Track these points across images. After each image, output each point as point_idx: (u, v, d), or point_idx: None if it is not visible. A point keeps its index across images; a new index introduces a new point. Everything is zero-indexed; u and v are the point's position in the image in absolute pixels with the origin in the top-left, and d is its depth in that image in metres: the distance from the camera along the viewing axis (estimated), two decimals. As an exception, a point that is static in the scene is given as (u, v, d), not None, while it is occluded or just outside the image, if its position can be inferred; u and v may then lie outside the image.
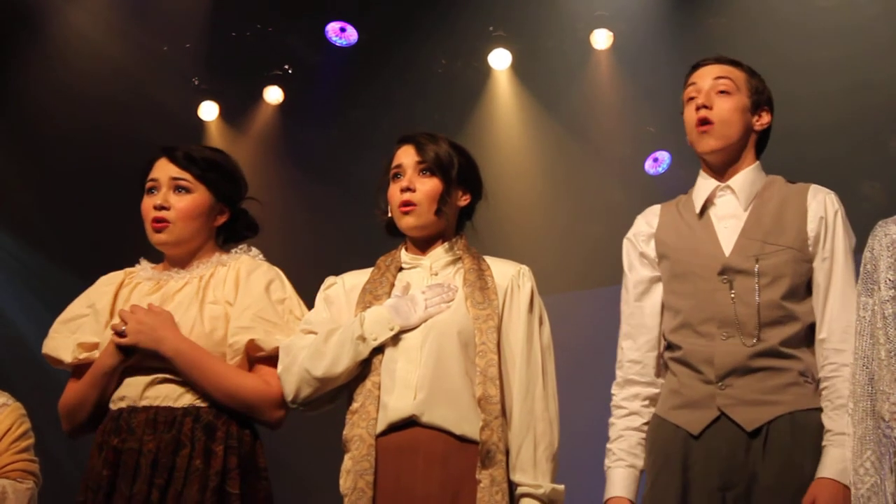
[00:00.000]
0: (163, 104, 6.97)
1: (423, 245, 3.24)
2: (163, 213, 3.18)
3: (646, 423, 3.07)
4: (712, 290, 3.02)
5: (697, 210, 3.12)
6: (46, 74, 6.76)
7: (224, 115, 7.54)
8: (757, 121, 3.15)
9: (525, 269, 3.22)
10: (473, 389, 3.04)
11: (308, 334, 3.18)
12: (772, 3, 6.51)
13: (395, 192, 3.21)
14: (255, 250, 3.32)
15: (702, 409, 2.98)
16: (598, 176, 6.29)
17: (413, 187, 3.18)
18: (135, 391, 3.07)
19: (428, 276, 3.21)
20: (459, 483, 2.99)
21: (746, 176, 3.11)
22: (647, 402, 3.10)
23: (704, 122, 3.08)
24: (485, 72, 7.26)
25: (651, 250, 3.15)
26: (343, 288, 3.25)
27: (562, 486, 3.04)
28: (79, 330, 3.19)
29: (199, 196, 3.22)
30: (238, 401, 3.07)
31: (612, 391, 3.16)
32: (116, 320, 3.11)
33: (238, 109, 7.56)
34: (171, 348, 3.03)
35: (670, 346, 3.06)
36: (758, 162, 3.15)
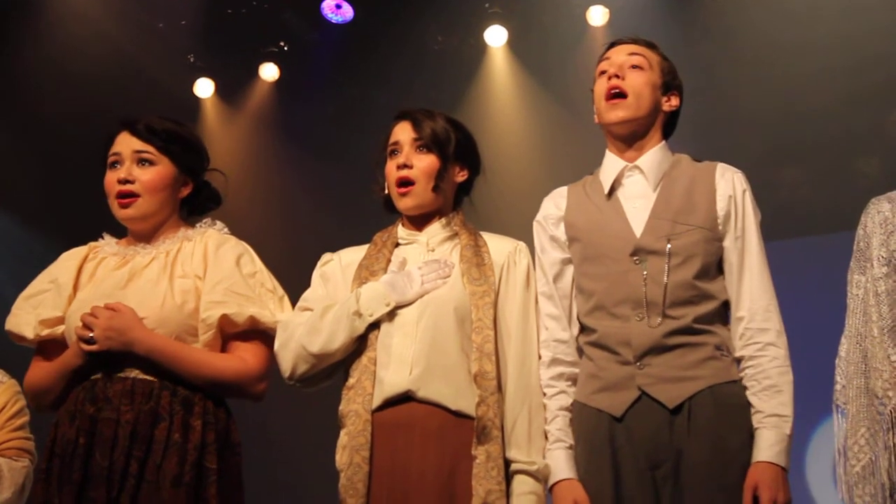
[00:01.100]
0: (158, 81, 7.02)
1: (419, 221, 3.26)
2: (128, 187, 3.16)
3: (573, 403, 3.08)
4: (625, 271, 3.02)
5: (606, 191, 3.12)
6: (42, 52, 6.78)
7: (220, 92, 7.59)
8: (666, 101, 3.17)
9: (522, 245, 3.22)
10: (469, 365, 3.06)
11: (304, 311, 3.20)
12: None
13: (392, 169, 3.21)
14: (219, 224, 3.32)
15: (622, 390, 2.98)
16: (594, 152, 6.28)
17: (410, 164, 3.19)
18: (108, 364, 3.07)
19: (424, 252, 3.22)
20: (455, 458, 3.00)
21: (654, 155, 3.12)
22: (570, 383, 3.10)
23: (616, 92, 3.10)
24: (481, 48, 7.28)
25: (561, 233, 3.16)
26: (339, 264, 3.27)
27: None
28: (41, 305, 3.19)
29: (163, 168, 3.21)
30: (219, 385, 3.08)
31: (540, 370, 3.15)
32: (80, 309, 3.09)
33: (234, 86, 7.60)
34: (144, 349, 3.02)
35: (584, 329, 3.07)
36: (664, 142, 3.16)
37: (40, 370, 3.18)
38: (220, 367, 3.09)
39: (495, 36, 7.22)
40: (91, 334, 3.01)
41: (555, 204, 3.21)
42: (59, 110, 6.62)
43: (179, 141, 3.23)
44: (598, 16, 7.02)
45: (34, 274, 3.32)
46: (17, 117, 6.97)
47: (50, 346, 3.16)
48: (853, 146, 6.16)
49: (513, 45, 7.26)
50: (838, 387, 2.97)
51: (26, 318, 3.18)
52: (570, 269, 3.15)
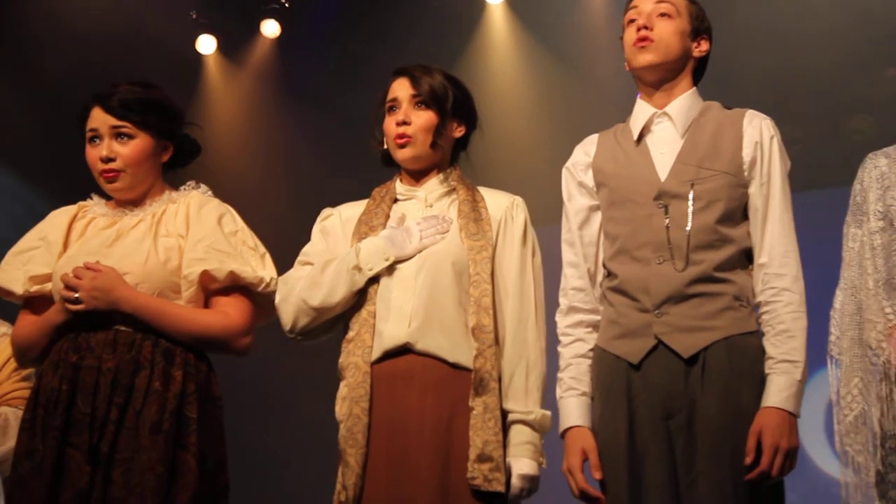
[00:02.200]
0: (161, 38, 7.02)
1: (417, 176, 3.26)
2: (110, 165, 3.20)
3: (591, 350, 3.09)
4: (648, 215, 3.01)
5: (635, 137, 3.11)
6: (45, 9, 6.81)
7: (222, 48, 7.58)
8: (696, 47, 3.14)
9: (519, 200, 3.24)
10: (467, 319, 3.09)
11: (305, 265, 3.23)
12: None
13: (390, 125, 3.22)
14: (203, 186, 3.35)
15: (640, 337, 2.97)
16: (592, 108, 6.32)
17: (408, 120, 3.19)
18: (93, 321, 3.12)
19: (423, 207, 3.23)
20: (453, 409, 3.02)
21: (683, 102, 3.10)
22: (590, 329, 3.11)
23: (644, 39, 3.08)
24: (479, 5, 7.26)
25: (589, 179, 3.15)
26: (339, 219, 3.29)
27: (549, 412, 3.08)
28: (30, 262, 3.23)
29: (141, 141, 3.24)
30: (204, 341, 3.13)
31: (556, 319, 3.16)
32: (67, 266, 3.13)
33: (236, 43, 7.58)
34: (129, 307, 3.07)
35: (609, 274, 3.07)
36: (694, 88, 3.15)
37: (27, 325, 3.23)
38: (205, 322, 3.14)
39: (494, -10, 7.15)
40: (76, 295, 3.04)
41: (584, 151, 3.20)
42: (60, 65, 6.68)
43: (154, 110, 3.26)
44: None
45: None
46: (19, 72, 7.01)
47: (37, 302, 3.21)
48: (849, 103, 6.11)
49: (511, 1, 7.23)
50: (833, 338, 2.99)
51: (15, 274, 3.22)
52: (597, 217, 3.15)
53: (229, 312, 3.17)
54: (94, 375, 3.03)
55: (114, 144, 3.20)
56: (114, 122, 3.21)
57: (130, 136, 3.22)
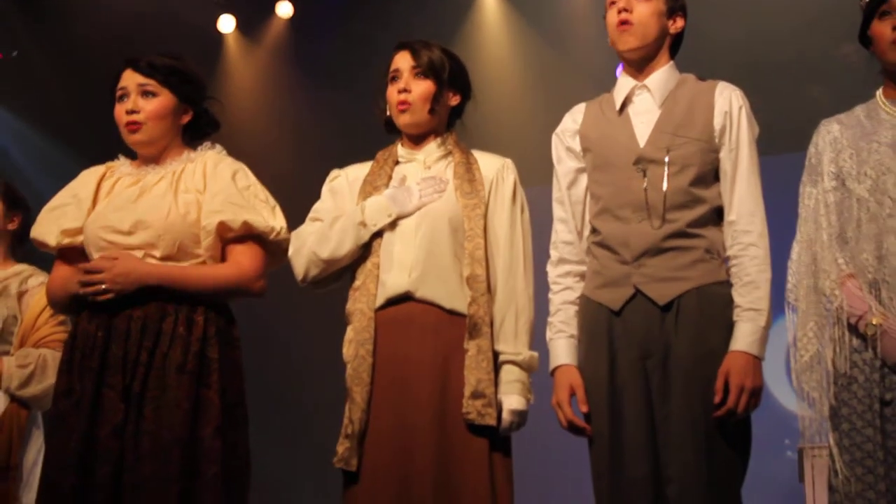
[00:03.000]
0: (186, 17, 7.03)
1: (417, 141, 3.28)
2: (134, 117, 3.21)
3: (578, 297, 3.11)
4: (628, 178, 3.03)
5: (617, 107, 3.12)
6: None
7: (240, 27, 7.59)
8: (672, 24, 3.14)
9: (509, 162, 3.26)
10: (462, 269, 3.11)
11: (315, 221, 3.26)
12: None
13: (392, 93, 3.24)
14: (218, 146, 3.36)
15: (620, 287, 3.00)
16: (575, 81, 6.33)
17: (409, 88, 3.21)
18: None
19: (422, 169, 3.24)
20: (449, 350, 3.06)
21: (661, 75, 3.11)
22: (577, 279, 3.13)
23: (625, 23, 3.09)
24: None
25: (576, 144, 3.15)
26: (346, 180, 3.31)
27: (536, 353, 3.13)
28: (62, 217, 3.25)
29: (164, 98, 3.25)
30: (223, 292, 3.14)
31: (547, 269, 3.19)
32: (97, 220, 3.13)
33: (253, 23, 7.57)
34: (154, 280, 3.09)
35: (593, 230, 3.10)
36: (672, 62, 3.15)
37: (60, 277, 3.25)
38: (221, 275, 3.15)
39: (488, -23, 7.16)
40: (103, 286, 3.06)
41: (572, 119, 3.22)
42: (93, 39, 6.68)
43: (178, 74, 3.27)
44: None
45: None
46: (56, 44, 7.03)
47: (70, 253, 3.24)
48: (805, 74, 6.04)
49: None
50: (790, 286, 3.00)
51: (49, 228, 3.24)
52: (583, 178, 3.16)
53: (242, 261, 3.18)
54: (126, 322, 3.06)
55: (139, 100, 3.22)
56: (141, 79, 3.24)
57: (154, 94, 3.24)
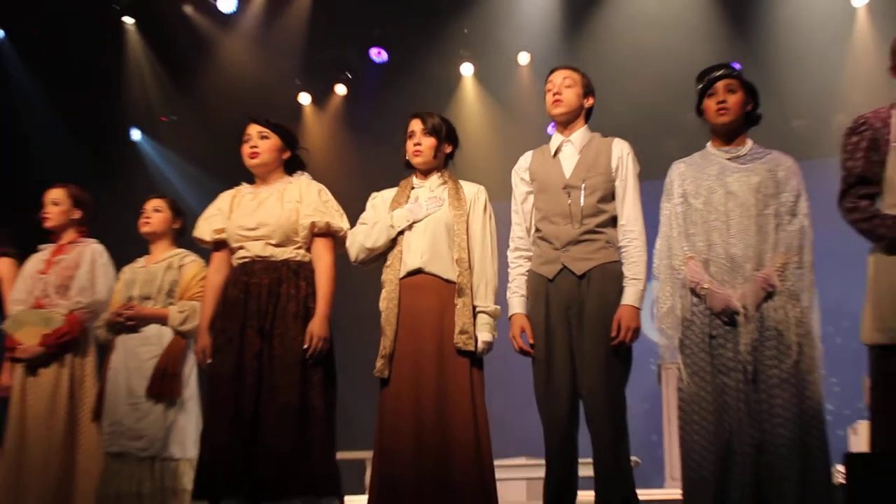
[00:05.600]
0: (278, 94, 7.40)
1: (425, 174, 3.31)
2: (254, 150, 3.28)
3: (527, 271, 3.13)
4: (559, 198, 3.07)
5: (552, 153, 3.16)
6: (215, 62, 7.22)
7: (314, 101, 7.90)
8: (586, 101, 3.19)
9: (482, 187, 3.33)
10: (453, 254, 3.15)
11: (362, 224, 3.30)
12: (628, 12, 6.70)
13: (409, 145, 3.31)
14: (307, 174, 3.36)
15: (553, 263, 3.04)
16: (524, 135, 6.03)
17: (420, 142, 3.27)
18: (253, 251, 3.20)
19: (428, 192, 3.27)
20: (445, 304, 3.12)
21: (580, 133, 3.15)
22: (526, 260, 3.15)
23: (557, 100, 3.13)
24: (457, 77, 7.52)
25: (527, 176, 3.19)
26: (381, 199, 3.35)
27: (499, 307, 3.20)
28: (212, 222, 3.29)
29: (273, 140, 3.30)
30: (333, 282, 3.19)
31: (507, 253, 3.20)
32: (234, 223, 3.16)
33: (321, 97, 7.86)
34: (322, 322, 3.07)
35: (537, 230, 3.14)
36: (586, 125, 3.18)
37: (215, 267, 3.26)
38: (327, 275, 3.16)
39: (466, 69, 7.45)
40: (320, 346, 3.05)
41: (524, 160, 3.22)
42: (220, 103, 6.98)
43: (281, 128, 3.36)
44: (524, 58, 7.24)
45: (208, 200, 3.40)
46: (197, 108, 7.36)
47: (220, 246, 3.28)
48: (661, 130, 6.05)
49: (477, 75, 7.47)
50: (654, 264, 3.02)
51: (204, 229, 3.32)
52: (531, 197, 3.15)
53: (322, 254, 3.19)
54: (258, 287, 3.12)
55: (258, 141, 3.30)
56: (259, 129, 3.32)
57: (267, 137, 3.30)
